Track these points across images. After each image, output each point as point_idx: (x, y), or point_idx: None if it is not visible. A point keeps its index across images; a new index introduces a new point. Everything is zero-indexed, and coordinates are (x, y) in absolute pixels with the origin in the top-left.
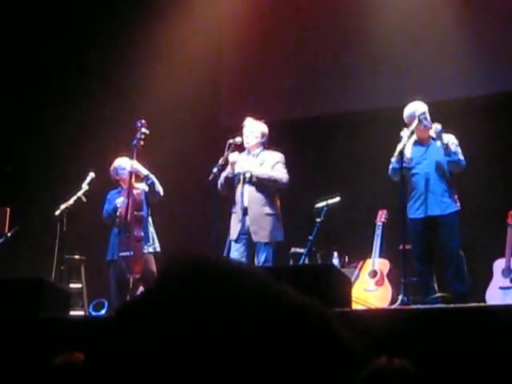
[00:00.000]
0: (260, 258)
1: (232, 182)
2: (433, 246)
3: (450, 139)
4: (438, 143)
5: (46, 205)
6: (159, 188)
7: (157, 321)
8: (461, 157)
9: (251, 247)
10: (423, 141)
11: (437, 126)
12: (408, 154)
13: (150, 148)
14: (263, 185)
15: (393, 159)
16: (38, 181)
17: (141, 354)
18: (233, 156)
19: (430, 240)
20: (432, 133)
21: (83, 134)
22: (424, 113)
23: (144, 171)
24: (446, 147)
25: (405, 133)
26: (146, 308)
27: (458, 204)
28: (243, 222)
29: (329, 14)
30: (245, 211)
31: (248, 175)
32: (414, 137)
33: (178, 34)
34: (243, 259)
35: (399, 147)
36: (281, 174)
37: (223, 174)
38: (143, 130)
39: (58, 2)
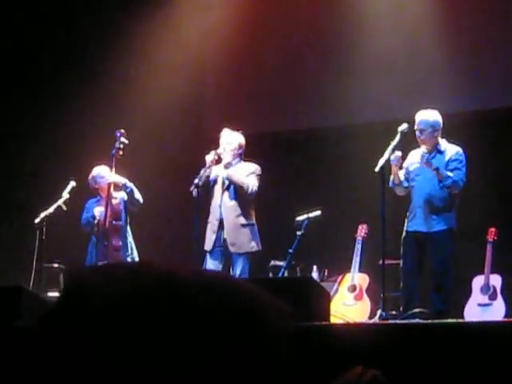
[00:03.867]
0: (236, 270)
1: (208, 185)
2: (423, 261)
3: (455, 154)
4: (446, 155)
5: (25, 213)
6: (138, 196)
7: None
8: (455, 178)
9: (227, 259)
10: (428, 152)
11: (423, 151)
12: (412, 160)
13: (132, 159)
14: (236, 192)
15: (391, 177)
16: (18, 188)
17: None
18: (210, 156)
19: (420, 255)
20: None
21: (64, 142)
22: (433, 125)
23: (122, 180)
24: (436, 173)
25: (394, 156)
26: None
27: (453, 222)
28: (219, 233)
29: (312, 29)
30: (221, 223)
31: (224, 175)
32: (423, 148)
33: (161, 45)
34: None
35: (381, 161)
36: (251, 182)
37: (203, 175)
38: (122, 139)
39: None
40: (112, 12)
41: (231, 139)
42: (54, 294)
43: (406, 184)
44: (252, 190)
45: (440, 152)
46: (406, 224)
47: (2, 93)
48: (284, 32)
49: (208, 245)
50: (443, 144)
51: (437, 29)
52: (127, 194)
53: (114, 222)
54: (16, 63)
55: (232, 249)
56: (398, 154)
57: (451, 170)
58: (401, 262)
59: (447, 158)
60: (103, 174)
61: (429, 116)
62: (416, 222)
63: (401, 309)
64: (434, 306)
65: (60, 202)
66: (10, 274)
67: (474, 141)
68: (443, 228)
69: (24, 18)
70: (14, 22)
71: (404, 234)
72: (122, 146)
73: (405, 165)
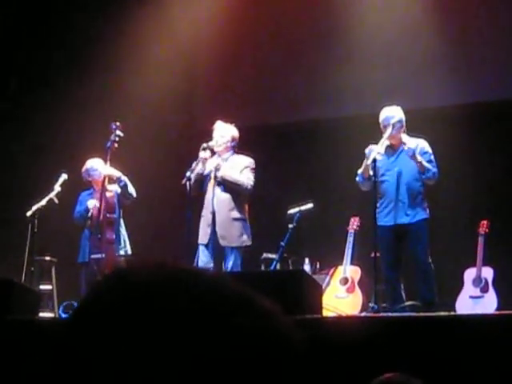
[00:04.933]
0: (228, 263)
1: (202, 181)
2: (401, 253)
3: (423, 147)
4: (409, 146)
5: (16, 206)
6: (132, 190)
7: (115, 326)
8: (434, 169)
9: (219, 252)
10: (394, 146)
11: (410, 147)
12: (378, 156)
13: (124, 151)
14: (229, 187)
15: (359, 171)
16: (9, 181)
17: (99, 359)
18: (204, 153)
19: (399, 248)
20: (406, 146)
21: (55, 135)
22: (400, 121)
23: (116, 173)
24: (420, 165)
25: (371, 149)
26: (103, 310)
27: (428, 212)
28: (212, 226)
29: (304, 21)
30: (214, 215)
31: (217, 173)
32: (387, 142)
33: (153, 37)
34: (211, 264)
35: (369, 161)
36: (246, 178)
37: (195, 171)
38: (118, 132)
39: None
40: (105, 5)
41: (224, 132)
42: (46, 287)
43: (373, 179)
44: (248, 186)
45: (405, 144)
46: (379, 219)
47: None
48: (275, 25)
49: (203, 238)
50: (406, 138)
51: (431, 23)
52: (121, 187)
53: (107, 215)
54: (9, 53)
55: (222, 242)
56: (373, 147)
57: (427, 163)
58: (380, 256)
59: (417, 151)
60: (96, 166)
61: (396, 112)
62: (396, 214)
63: (385, 304)
64: (423, 297)
65: (52, 194)
66: (2, 267)
67: (465, 133)
68: (423, 217)
69: (19, 9)
70: (9, 12)
71: (380, 228)
72: (117, 138)
73: (369, 161)
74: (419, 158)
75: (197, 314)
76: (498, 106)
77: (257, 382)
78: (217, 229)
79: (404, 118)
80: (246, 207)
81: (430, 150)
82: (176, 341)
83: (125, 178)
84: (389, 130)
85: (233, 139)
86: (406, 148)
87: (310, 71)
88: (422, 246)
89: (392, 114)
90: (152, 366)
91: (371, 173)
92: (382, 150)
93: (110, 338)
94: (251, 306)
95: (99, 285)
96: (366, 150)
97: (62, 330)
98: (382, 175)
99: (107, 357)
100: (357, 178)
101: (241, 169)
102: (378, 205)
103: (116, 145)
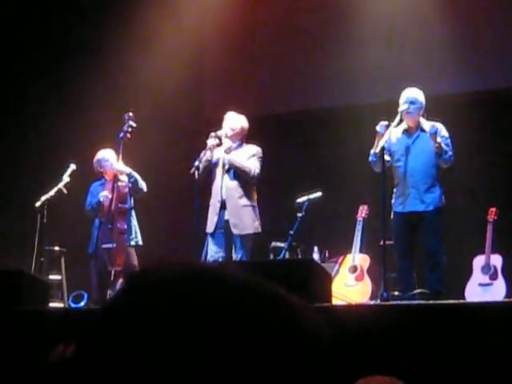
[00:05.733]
0: (238, 252)
1: (210, 169)
2: (415, 241)
3: (441, 130)
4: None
5: (25, 196)
6: (142, 185)
7: (146, 319)
8: (450, 153)
9: (229, 241)
10: (411, 130)
11: (434, 125)
12: (393, 140)
13: (133, 141)
14: (237, 174)
15: (372, 151)
16: (18, 171)
17: (131, 351)
18: (212, 140)
19: (412, 235)
20: (426, 127)
21: (65, 125)
22: (420, 103)
23: (127, 170)
24: (438, 147)
25: (380, 126)
26: (134, 306)
27: (443, 198)
28: (221, 215)
29: (315, 8)
30: (223, 204)
31: (225, 160)
32: (403, 125)
33: (160, 27)
34: (220, 253)
35: (382, 142)
36: (253, 166)
37: (203, 159)
38: (131, 122)
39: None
40: None
41: (234, 123)
42: (55, 277)
43: (387, 158)
44: (254, 174)
45: (423, 131)
46: (395, 205)
47: (4, 72)
48: (285, 12)
49: (210, 227)
50: (424, 122)
51: (438, 10)
52: (131, 183)
53: (119, 205)
54: (19, 43)
55: (234, 230)
56: (385, 123)
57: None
58: (393, 243)
59: (436, 142)
60: (108, 157)
61: (417, 94)
62: (410, 202)
63: (396, 292)
64: (431, 286)
65: (60, 185)
66: (12, 258)
67: (476, 120)
68: (439, 205)
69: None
70: (17, 4)
71: (395, 215)
72: (130, 129)
73: (384, 143)
74: (439, 139)
75: (224, 310)
76: (506, 93)
77: (283, 377)
78: (228, 217)
79: (424, 102)
80: (255, 194)
81: (446, 134)
82: (204, 336)
83: (135, 174)
84: (398, 118)
85: (242, 130)
86: (429, 125)
87: (317, 60)
88: (436, 235)
89: (411, 95)
90: (181, 360)
91: (378, 148)
92: (398, 133)
93: (136, 335)
94: (278, 301)
95: (128, 282)
96: (377, 127)
97: (93, 324)
98: (398, 160)
99: (137, 352)
100: (370, 158)
101: (248, 157)
102: (394, 190)
103: (129, 135)
